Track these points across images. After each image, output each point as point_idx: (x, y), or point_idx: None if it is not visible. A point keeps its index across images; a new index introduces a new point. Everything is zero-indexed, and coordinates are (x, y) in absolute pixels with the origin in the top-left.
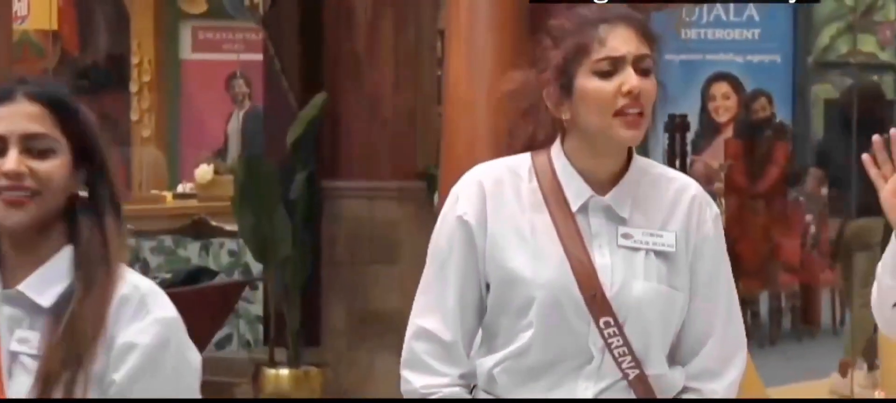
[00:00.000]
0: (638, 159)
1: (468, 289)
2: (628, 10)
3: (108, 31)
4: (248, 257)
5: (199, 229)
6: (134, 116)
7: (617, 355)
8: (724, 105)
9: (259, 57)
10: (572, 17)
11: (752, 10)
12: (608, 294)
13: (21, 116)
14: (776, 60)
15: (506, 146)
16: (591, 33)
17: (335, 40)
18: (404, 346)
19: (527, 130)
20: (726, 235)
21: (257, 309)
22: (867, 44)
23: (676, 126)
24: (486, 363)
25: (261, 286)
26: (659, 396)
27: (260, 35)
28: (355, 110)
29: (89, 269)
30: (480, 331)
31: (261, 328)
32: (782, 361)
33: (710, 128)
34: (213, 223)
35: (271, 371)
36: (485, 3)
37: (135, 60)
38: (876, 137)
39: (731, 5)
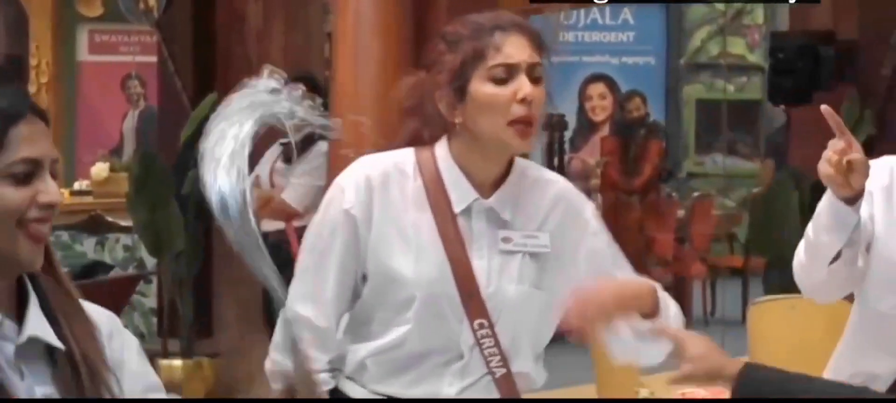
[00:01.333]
0: (519, 162)
1: (346, 280)
2: (521, 19)
3: (8, 33)
4: (143, 252)
5: (95, 225)
6: None
7: (486, 354)
8: (600, 105)
9: (153, 59)
10: (468, 23)
11: (627, 13)
12: (484, 295)
13: None
14: (650, 62)
15: (392, 142)
16: (486, 40)
17: (227, 43)
18: (277, 329)
19: (413, 127)
20: None
21: (151, 301)
22: (737, 46)
23: (555, 125)
24: (358, 351)
25: (154, 279)
26: (521, 392)
27: (154, 38)
28: None
29: (60, 299)
30: (347, 315)
31: (155, 320)
32: None
33: (586, 127)
34: (109, 219)
35: (165, 362)
36: (370, 8)
37: (33, 62)
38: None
39: (607, 9)
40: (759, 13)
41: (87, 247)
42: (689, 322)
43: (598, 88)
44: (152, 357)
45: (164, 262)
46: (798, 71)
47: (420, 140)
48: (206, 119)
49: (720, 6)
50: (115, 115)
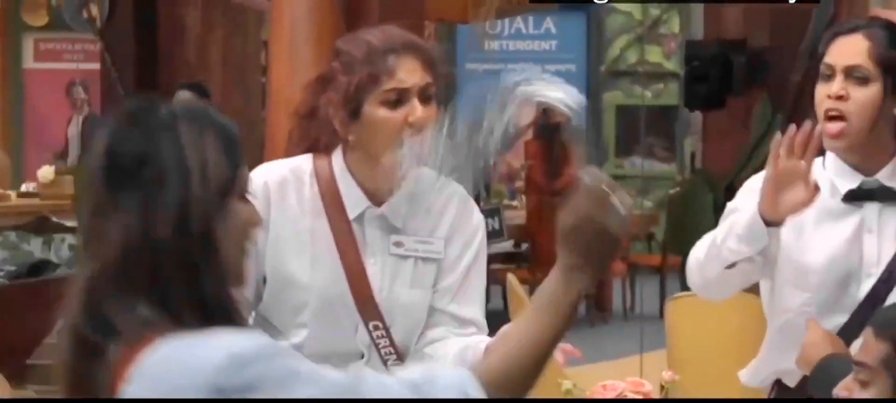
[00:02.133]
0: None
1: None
2: (413, 38)
3: None
4: None
5: (41, 225)
6: None
7: (383, 353)
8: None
9: (97, 66)
10: (361, 45)
11: (549, 23)
12: (377, 299)
13: None
14: (572, 69)
15: (287, 148)
16: (379, 65)
17: (168, 50)
18: None
19: (310, 134)
20: (527, 229)
21: None
22: (654, 54)
23: None
24: None
25: None
26: None
27: (97, 46)
28: None
29: None
30: (253, 315)
31: None
32: (579, 345)
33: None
34: (55, 219)
35: None
36: (305, 18)
37: None
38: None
39: (530, 19)
40: (675, 22)
41: (35, 247)
42: (610, 316)
43: None
44: None
45: None
46: (712, 77)
47: (317, 146)
48: None
49: (638, 15)
50: (61, 120)
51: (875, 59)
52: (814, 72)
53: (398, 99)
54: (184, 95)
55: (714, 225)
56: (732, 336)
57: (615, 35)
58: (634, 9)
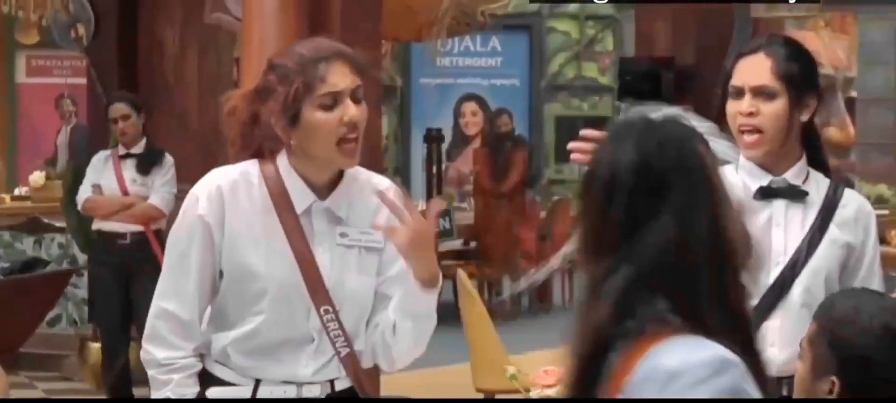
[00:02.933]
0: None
1: (205, 277)
2: (340, 46)
3: None
4: (75, 249)
5: (33, 226)
6: None
7: (332, 337)
8: (473, 120)
9: (83, 81)
10: (294, 57)
11: (495, 41)
12: (327, 285)
13: None
14: (515, 83)
15: (232, 155)
16: (312, 73)
17: (148, 67)
18: (147, 323)
19: (254, 141)
20: (475, 228)
21: (83, 292)
22: (590, 70)
23: (433, 138)
24: (220, 339)
25: (86, 273)
26: (363, 365)
27: (84, 62)
28: (167, 126)
29: None
30: (210, 308)
31: (86, 308)
32: (522, 334)
33: (461, 140)
34: (45, 220)
35: (95, 345)
36: (273, 35)
37: None
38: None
39: (478, 38)
40: (609, 41)
41: (27, 245)
42: (551, 307)
43: (470, 106)
44: (84, 341)
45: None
46: (643, 91)
47: (261, 153)
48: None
49: (575, 35)
50: (51, 130)
51: (778, 76)
52: (725, 89)
53: (333, 102)
54: (119, 107)
55: None
56: None
57: (554, 52)
58: (572, 28)
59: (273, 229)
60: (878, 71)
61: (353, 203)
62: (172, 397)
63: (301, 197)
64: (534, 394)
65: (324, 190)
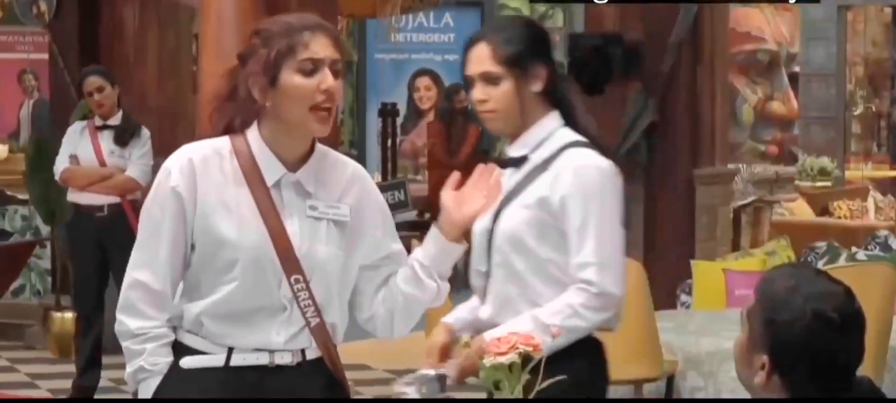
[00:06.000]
0: (319, 145)
1: (177, 248)
2: (324, 22)
3: None
4: (38, 221)
5: None
6: None
7: (303, 306)
8: (427, 95)
9: (45, 56)
10: (280, 23)
11: (448, 18)
12: (298, 255)
13: None
14: None
15: (207, 132)
16: (296, 38)
17: (109, 43)
18: (121, 294)
19: (227, 117)
20: (429, 201)
21: (46, 263)
22: None
23: (388, 112)
24: (192, 309)
25: (49, 244)
26: (333, 339)
27: (46, 38)
28: (127, 100)
29: None
30: (182, 282)
31: (49, 279)
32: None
33: (415, 114)
34: (8, 193)
35: (58, 315)
36: (231, 12)
37: None
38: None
39: (431, 14)
40: (559, 18)
41: None
42: None
43: (424, 81)
44: (47, 310)
45: (56, 230)
46: (592, 67)
47: (232, 129)
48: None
49: (525, 11)
50: (13, 105)
51: (499, 61)
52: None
53: (313, 68)
54: (93, 80)
55: None
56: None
57: None
58: (523, 5)
59: (244, 200)
60: (820, 46)
61: (321, 178)
62: (146, 366)
63: (271, 169)
64: (486, 362)
65: (294, 165)
